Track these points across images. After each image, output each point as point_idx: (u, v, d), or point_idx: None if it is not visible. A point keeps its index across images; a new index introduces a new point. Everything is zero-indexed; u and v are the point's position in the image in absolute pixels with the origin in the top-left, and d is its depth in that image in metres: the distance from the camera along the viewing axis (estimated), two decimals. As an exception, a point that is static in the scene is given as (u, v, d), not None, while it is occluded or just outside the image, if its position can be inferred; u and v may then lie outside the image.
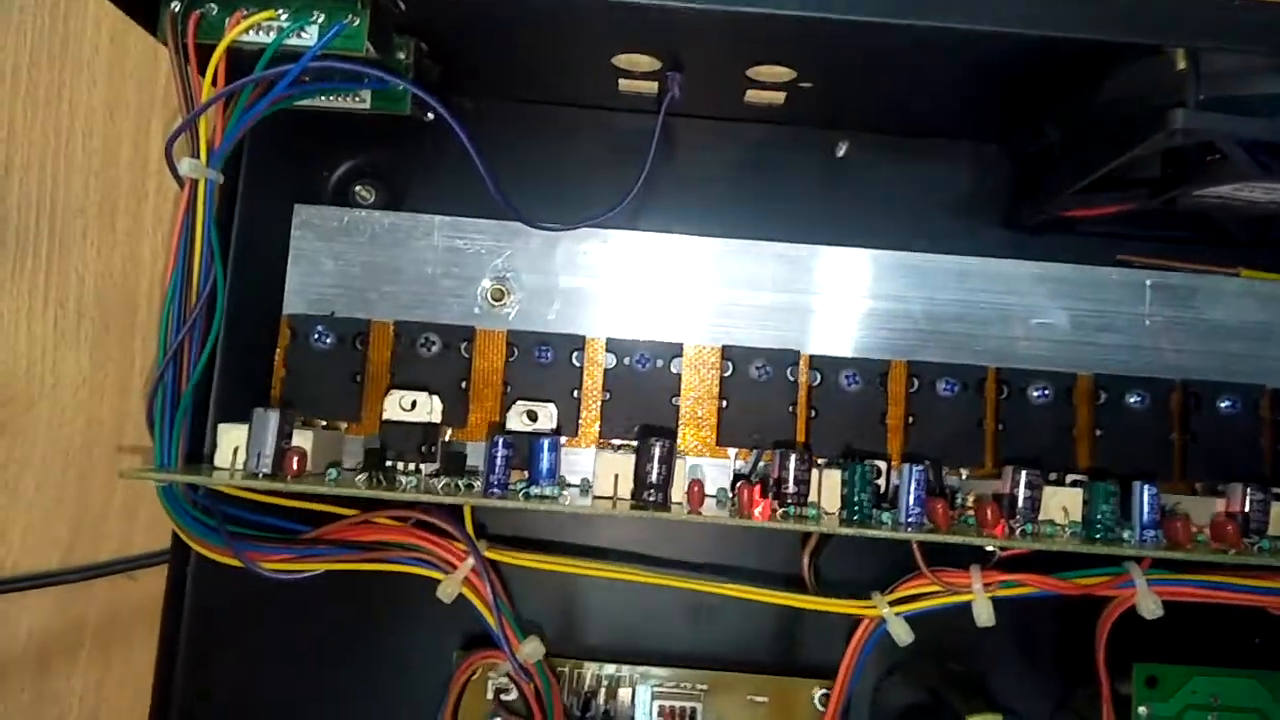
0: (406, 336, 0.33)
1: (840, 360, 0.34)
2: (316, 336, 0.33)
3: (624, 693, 0.31)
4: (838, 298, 0.35)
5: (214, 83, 0.26)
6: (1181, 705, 0.29)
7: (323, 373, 0.33)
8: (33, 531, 0.38)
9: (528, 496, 0.27)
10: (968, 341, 0.34)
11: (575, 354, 0.33)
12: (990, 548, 0.26)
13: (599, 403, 0.33)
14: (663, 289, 0.35)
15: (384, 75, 0.28)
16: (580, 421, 0.33)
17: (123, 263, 0.40)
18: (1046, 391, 0.33)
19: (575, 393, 0.33)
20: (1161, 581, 0.26)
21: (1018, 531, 0.26)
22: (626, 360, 0.33)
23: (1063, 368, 0.34)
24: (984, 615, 0.26)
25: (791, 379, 0.33)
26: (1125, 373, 0.34)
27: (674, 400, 0.33)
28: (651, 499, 0.27)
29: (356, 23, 0.27)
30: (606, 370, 0.33)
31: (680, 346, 0.34)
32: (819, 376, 0.34)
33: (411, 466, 0.28)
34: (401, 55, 0.31)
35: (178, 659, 0.35)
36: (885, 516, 0.27)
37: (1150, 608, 0.25)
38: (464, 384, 0.33)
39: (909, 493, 0.26)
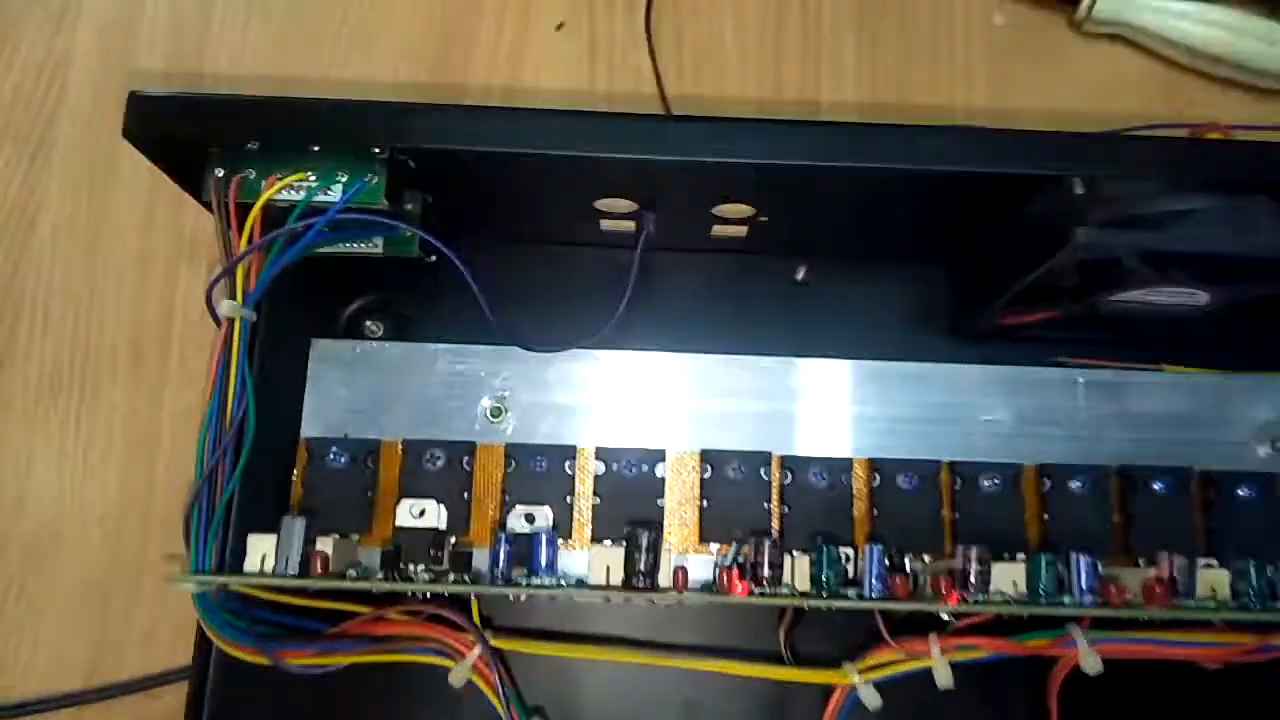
0: (413, 453, 0.37)
1: (809, 460, 0.37)
2: (331, 456, 0.36)
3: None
4: (804, 404, 0.38)
5: (250, 237, 0.31)
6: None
7: (337, 489, 0.36)
8: (56, 656, 0.40)
9: (529, 585, 0.29)
10: (925, 439, 0.38)
11: (568, 462, 0.37)
12: (945, 615, 0.29)
13: (590, 506, 0.36)
14: (645, 401, 0.38)
15: (397, 224, 0.32)
16: (574, 524, 0.36)
17: (148, 401, 0.43)
18: (997, 481, 0.37)
19: (568, 498, 0.36)
20: (1101, 640, 0.28)
21: (970, 600, 0.28)
22: (615, 466, 0.37)
23: (1010, 459, 0.37)
24: (943, 678, 0.28)
25: (765, 478, 0.37)
26: (1066, 461, 0.37)
27: (659, 501, 0.36)
28: (641, 584, 0.30)
29: (375, 180, 0.31)
30: (596, 476, 0.37)
31: (663, 452, 0.37)
32: (790, 475, 0.37)
33: (422, 568, 0.31)
34: (410, 206, 0.35)
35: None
36: (851, 591, 0.30)
37: (1091, 664, 0.28)
38: (466, 494, 0.36)
39: (871, 568, 0.29)
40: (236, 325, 0.31)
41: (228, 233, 0.31)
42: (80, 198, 0.45)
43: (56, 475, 0.42)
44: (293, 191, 0.31)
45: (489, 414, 0.38)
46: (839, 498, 0.36)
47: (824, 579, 0.30)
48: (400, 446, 0.37)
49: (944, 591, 0.28)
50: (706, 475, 0.37)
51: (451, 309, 0.40)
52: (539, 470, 0.36)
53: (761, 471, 0.37)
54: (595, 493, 0.36)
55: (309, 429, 0.37)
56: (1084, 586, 0.29)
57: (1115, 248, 0.31)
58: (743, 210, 0.38)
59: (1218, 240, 0.30)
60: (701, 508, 0.36)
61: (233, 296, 0.31)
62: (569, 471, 0.37)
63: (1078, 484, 0.37)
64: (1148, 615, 0.28)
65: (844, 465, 0.37)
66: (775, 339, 0.40)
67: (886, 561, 0.30)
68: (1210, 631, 0.29)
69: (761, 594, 0.29)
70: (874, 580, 0.29)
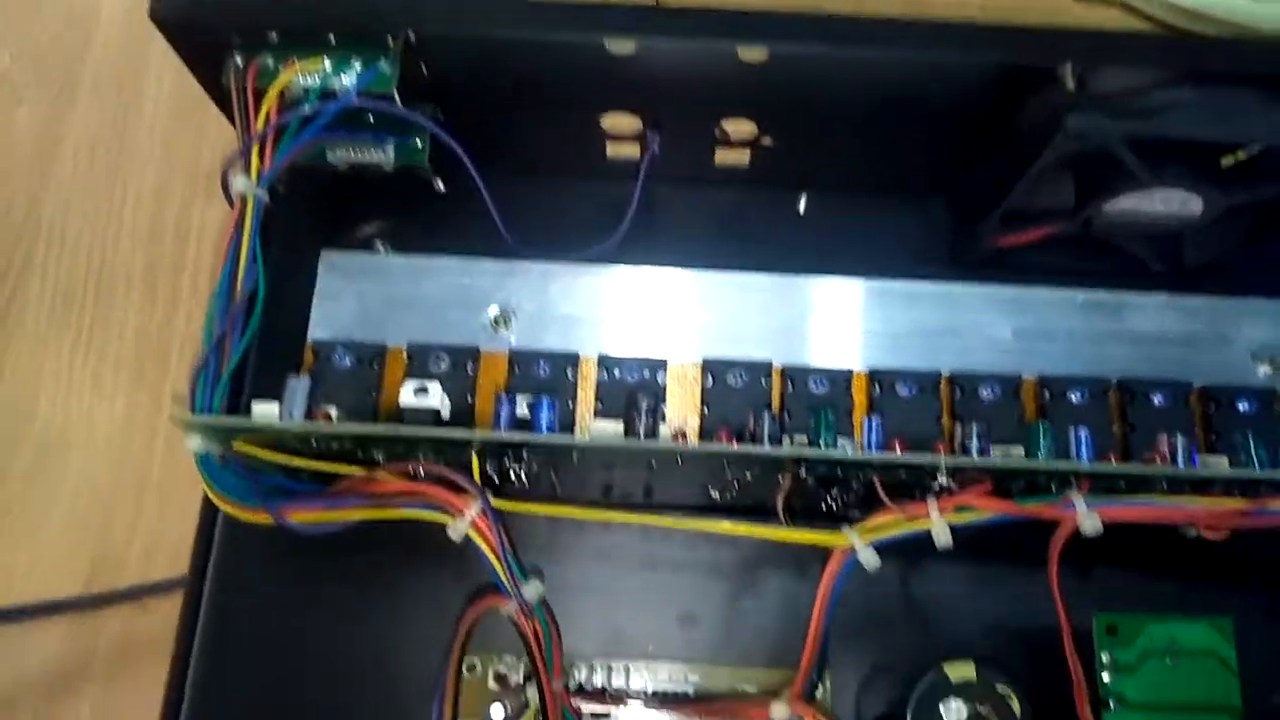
0: (418, 357, 0.37)
1: (809, 370, 0.37)
2: (337, 357, 0.37)
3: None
4: (805, 319, 0.39)
5: (266, 119, 0.32)
6: (1140, 651, 0.31)
7: (342, 390, 0.36)
8: (57, 567, 0.40)
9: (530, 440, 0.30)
10: (926, 354, 0.38)
11: (569, 369, 0.37)
12: (941, 480, 0.29)
13: (592, 410, 0.36)
14: (648, 314, 0.38)
15: (407, 114, 0.33)
16: (576, 428, 0.36)
17: (159, 325, 0.44)
18: (996, 390, 0.37)
19: (570, 402, 0.36)
20: (1099, 503, 0.28)
21: (968, 457, 0.29)
22: (616, 373, 0.37)
23: (1010, 371, 0.37)
24: (942, 538, 0.28)
25: (765, 387, 0.37)
26: (1066, 374, 0.37)
27: (660, 408, 0.36)
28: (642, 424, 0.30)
29: (387, 69, 0.33)
30: (598, 383, 0.37)
31: (664, 362, 0.37)
32: (790, 384, 0.37)
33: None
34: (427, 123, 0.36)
35: (189, 668, 0.37)
36: (848, 447, 0.30)
37: (1090, 526, 0.28)
38: (470, 397, 0.36)
39: (870, 435, 0.29)
40: (250, 203, 0.31)
41: (245, 116, 0.32)
42: (103, 133, 0.46)
43: (65, 392, 0.43)
44: (308, 79, 0.32)
45: (494, 323, 0.38)
46: (839, 406, 0.37)
47: (821, 440, 0.30)
48: (405, 351, 0.37)
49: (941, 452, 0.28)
50: (708, 384, 0.37)
51: (459, 234, 0.40)
52: (542, 375, 0.37)
53: (762, 380, 0.37)
54: (597, 398, 0.37)
55: (316, 334, 0.38)
56: (1083, 456, 0.29)
57: (1105, 135, 0.31)
58: (746, 129, 0.39)
59: (1205, 127, 0.31)
60: (702, 414, 0.37)
61: (248, 175, 0.31)
62: (570, 378, 0.37)
63: (1077, 395, 0.37)
64: (1146, 472, 0.28)
65: (845, 376, 0.37)
66: (776, 265, 0.40)
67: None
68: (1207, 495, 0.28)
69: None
70: (872, 446, 0.29)
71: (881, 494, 0.29)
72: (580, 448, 0.30)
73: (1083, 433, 0.31)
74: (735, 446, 0.29)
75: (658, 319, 0.38)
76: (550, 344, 0.38)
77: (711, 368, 0.37)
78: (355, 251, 0.39)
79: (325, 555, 0.38)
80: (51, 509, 0.41)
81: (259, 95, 0.32)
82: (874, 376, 0.37)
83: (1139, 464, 0.29)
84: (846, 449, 0.30)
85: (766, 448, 0.29)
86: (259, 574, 0.38)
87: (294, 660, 0.37)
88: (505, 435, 0.29)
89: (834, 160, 0.41)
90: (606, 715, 0.33)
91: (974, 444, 0.30)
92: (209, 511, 0.38)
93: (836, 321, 0.39)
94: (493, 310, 0.38)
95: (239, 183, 0.31)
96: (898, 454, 0.29)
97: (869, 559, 0.28)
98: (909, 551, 0.38)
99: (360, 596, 0.37)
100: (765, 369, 0.37)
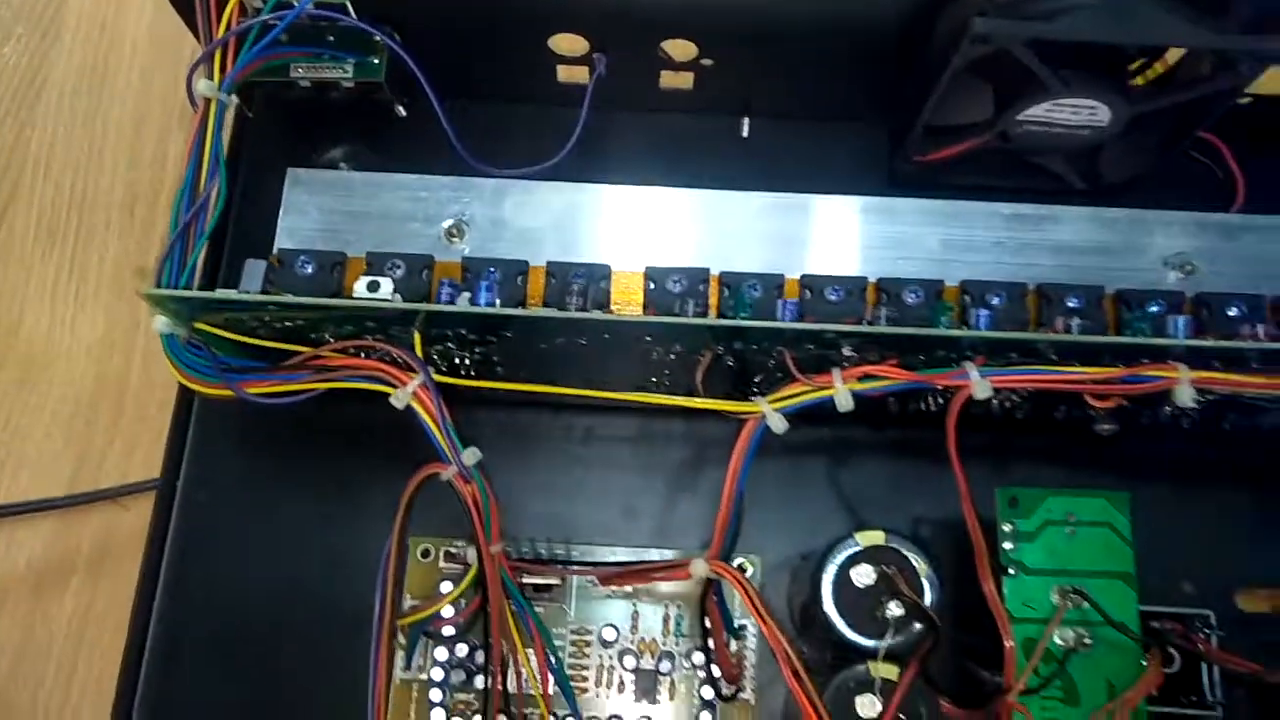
0: (376, 264, 0.39)
1: (743, 275, 0.40)
2: (300, 264, 0.39)
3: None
4: (743, 231, 0.41)
5: (228, 25, 0.34)
6: (1040, 521, 0.34)
7: (305, 293, 0.38)
8: (40, 471, 0.43)
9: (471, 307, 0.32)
10: (857, 263, 0.40)
11: (520, 277, 0.39)
12: (847, 351, 0.31)
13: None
14: (594, 227, 0.41)
15: (362, 26, 0.36)
16: (520, 326, 0.38)
17: (138, 245, 0.46)
18: (919, 293, 0.39)
19: (520, 309, 0.39)
20: (992, 371, 0.31)
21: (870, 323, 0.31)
22: (564, 279, 0.39)
23: (934, 277, 0.40)
24: (844, 403, 0.30)
25: (703, 290, 0.39)
26: (988, 278, 0.40)
27: (595, 292, 0.38)
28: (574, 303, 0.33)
29: (342, -20, 0.35)
30: (546, 286, 0.39)
31: (608, 267, 0.39)
32: (726, 290, 0.39)
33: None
34: (378, 39, 0.38)
35: (163, 561, 0.39)
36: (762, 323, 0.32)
37: (981, 390, 0.30)
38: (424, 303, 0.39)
39: (784, 313, 0.32)
40: (212, 106, 0.34)
41: (207, 23, 0.34)
42: (85, 70, 0.49)
43: (50, 309, 0.45)
44: (268, -8, 0.35)
45: (448, 235, 0.40)
46: (770, 310, 0.39)
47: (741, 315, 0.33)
48: (365, 258, 0.39)
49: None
50: (649, 289, 0.39)
51: (420, 156, 0.42)
52: (493, 280, 0.39)
53: (700, 286, 0.39)
54: (545, 303, 0.39)
55: (282, 243, 0.40)
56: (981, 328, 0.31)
57: (1009, 38, 0.34)
58: (687, 51, 0.41)
59: (1106, 30, 0.33)
60: (644, 316, 0.39)
61: (210, 79, 0.34)
62: (520, 284, 0.39)
63: (997, 299, 0.39)
64: (1031, 338, 0.31)
65: (777, 281, 0.39)
66: (720, 185, 0.43)
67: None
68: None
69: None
70: (786, 315, 0.32)
71: (793, 368, 0.31)
72: (512, 317, 0.32)
73: (983, 313, 0.33)
74: (651, 316, 0.32)
75: (604, 231, 0.41)
76: (501, 254, 0.40)
77: (653, 274, 0.40)
78: (319, 170, 0.42)
79: (291, 454, 0.41)
80: (37, 416, 0.44)
81: (221, 3, 0.34)
82: (804, 282, 0.39)
83: (1026, 332, 0.32)
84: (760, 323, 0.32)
85: (679, 318, 0.32)
86: (227, 473, 0.40)
87: (262, 552, 0.39)
88: (444, 306, 0.32)
89: (774, 84, 0.43)
90: (547, 586, 0.36)
91: (883, 311, 0.33)
92: (181, 415, 0.41)
93: (774, 233, 0.41)
94: (447, 223, 0.41)
95: (201, 86, 0.34)
96: (801, 324, 0.31)
97: (777, 423, 0.31)
98: (838, 448, 0.41)
99: (323, 491, 0.40)
100: (703, 275, 0.39)
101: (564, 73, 0.43)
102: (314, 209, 0.41)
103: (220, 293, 0.31)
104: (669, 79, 0.43)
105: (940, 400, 0.38)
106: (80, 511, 0.42)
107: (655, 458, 0.41)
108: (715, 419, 0.34)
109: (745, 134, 0.45)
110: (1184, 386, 0.30)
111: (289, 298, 0.31)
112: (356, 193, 0.41)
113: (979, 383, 0.30)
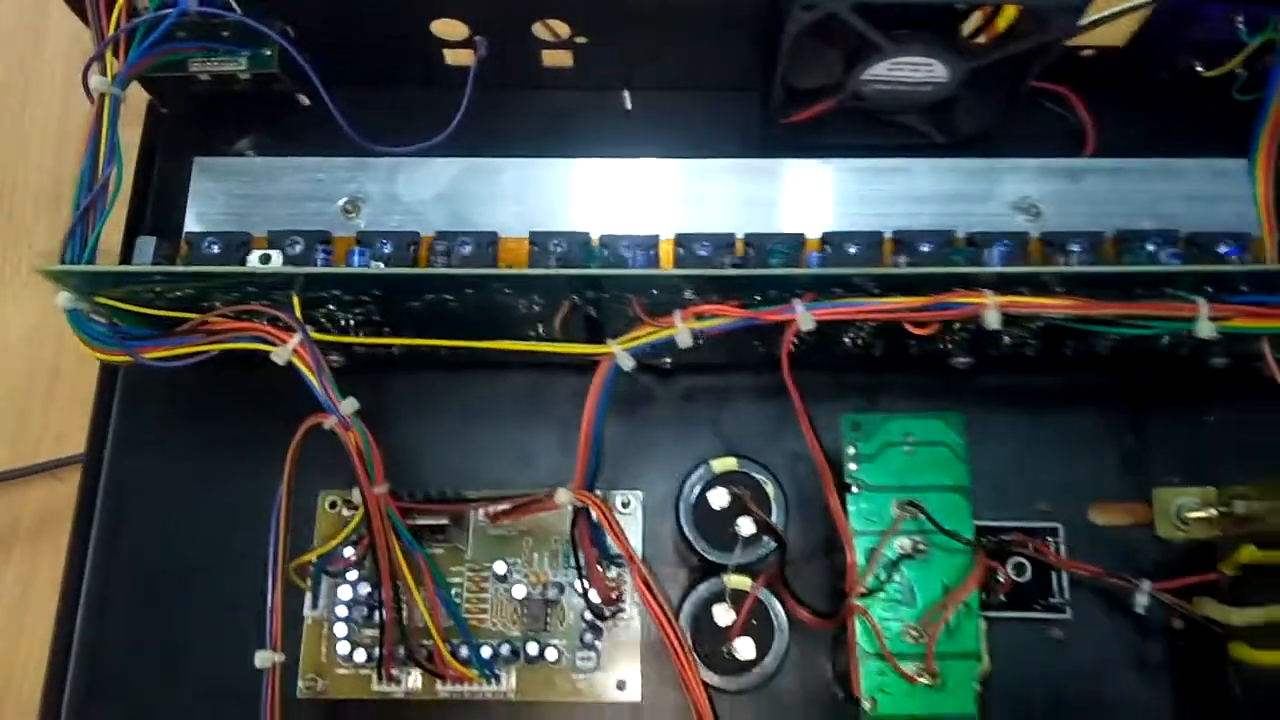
0: (276, 241, 0.42)
1: (620, 237, 0.42)
2: (206, 245, 0.42)
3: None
4: (622, 196, 0.44)
5: (117, 24, 0.37)
6: (881, 443, 0.37)
7: (211, 272, 0.42)
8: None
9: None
10: (726, 220, 0.43)
11: (411, 246, 0.42)
12: (689, 294, 0.34)
13: (431, 280, 0.42)
14: (480, 198, 0.44)
15: (246, 20, 0.39)
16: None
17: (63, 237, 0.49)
18: (782, 247, 0.42)
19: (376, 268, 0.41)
20: (816, 305, 0.34)
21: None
22: (452, 246, 0.42)
23: (797, 231, 0.43)
24: (684, 340, 0.34)
25: (581, 254, 0.42)
26: (849, 229, 0.42)
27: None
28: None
29: (227, -24, 0.38)
30: (431, 250, 0.42)
31: (495, 234, 0.42)
32: (605, 250, 0.42)
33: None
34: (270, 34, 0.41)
35: (93, 522, 0.42)
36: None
37: (807, 322, 0.33)
38: (323, 274, 0.42)
39: (634, 262, 0.35)
40: (106, 100, 0.37)
41: (98, 21, 0.37)
42: (11, 68, 0.52)
43: (-19, 301, 0.48)
44: (156, -9, 0.38)
45: (344, 211, 0.43)
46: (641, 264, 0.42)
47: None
48: (266, 236, 0.42)
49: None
50: (533, 252, 0.42)
51: (321, 142, 0.45)
52: (384, 251, 0.42)
53: (579, 249, 0.42)
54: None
55: (190, 227, 0.43)
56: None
57: (834, 4, 0.36)
58: (562, 29, 0.44)
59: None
60: (527, 278, 0.42)
61: (103, 75, 0.37)
62: (411, 252, 0.42)
63: (854, 248, 0.42)
64: (850, 273, 0.34)
65: (652, 241, 0.42)
66: (605, 155, 0.45)
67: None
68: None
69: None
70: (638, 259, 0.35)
71: (640, 313, 0.35)
72: (378, 276, 0.35)
73: (815, 255, 0.36)
74: (506, 269, 0.35)
75: (490, 202, 0.44)
76: (394, 227, 0.43)
77: (536, 239, 0.43)
78: (223, 157, 0.45)
79: (205, 420, 0.44)
80: (-28, 404, 0.47)
81: (110, 4, 0.37)
82: (679, 240, 0.43)
83: (844, 268, 0.35)
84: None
85: (532, 270, 0.35)
86: (149, 441, 0.44)
87: (182, 508, 0.43)
88: (316, 270, 0.35)
89: (650, 58, 0.46)
90: (442, 527, 0.39)
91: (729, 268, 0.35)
92: (105, 390, 0.44)
93: (651, 197, 0.44)
94: (343, 200, 0.44)
95: (94, 81, 0.37)
96: (642, 270, 0.34)
97: (626, 362, 0.34)
98: (722, 393, 0.44)
99: (236, 452, 0.43)
100: (584, 239, 0.42)
101: (450, 56, 0.46)
102: (220, 194, 0.44)
103: (102, 266, 0.34)
104: (550, 58, 0.46)
105: (859, 341, 0.41)
106: (19, 487, 0.45)
107: (546, 412, 0.44)
108: None
109: (629, 107, 0.48)
110: (991, 311, 0.33)
111: (170, 268, 0.34)
112: (259, 177, 0.44)
113: (803, 315, 0.33)
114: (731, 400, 0.44)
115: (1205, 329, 0.33)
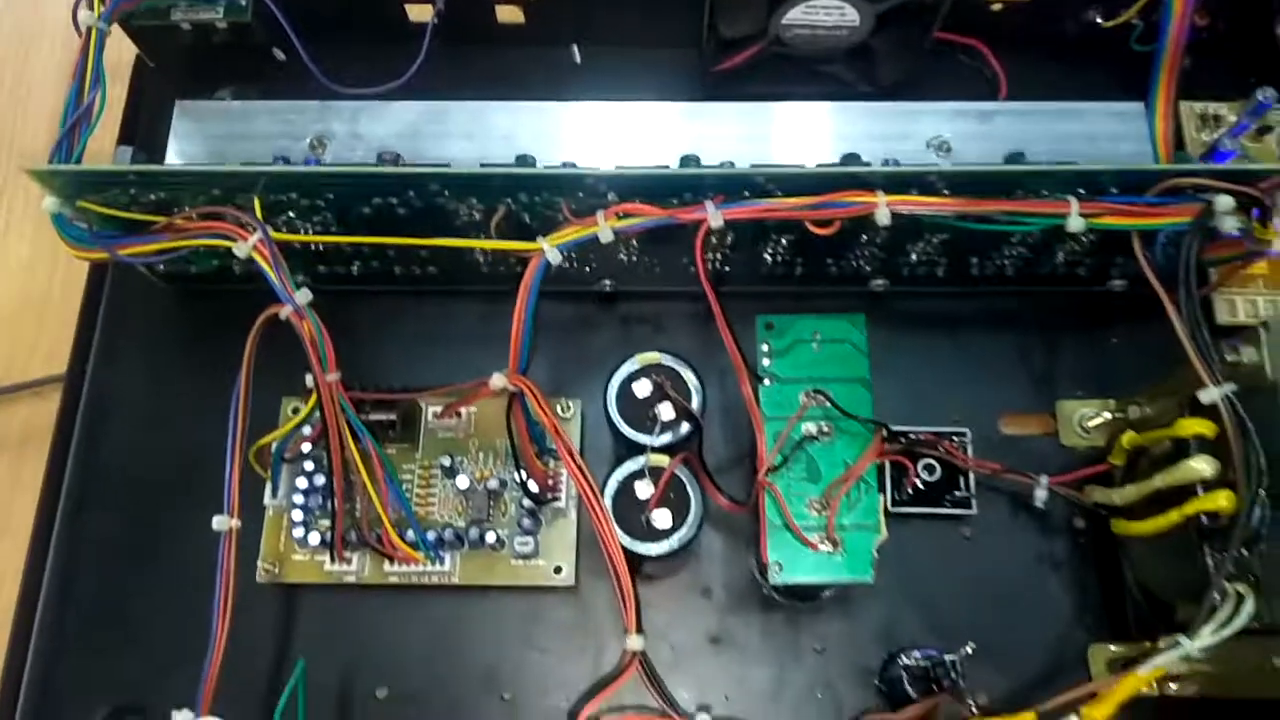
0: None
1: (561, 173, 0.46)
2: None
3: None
4: (565, 134, 0.47)
5: (102, -34, 0.41)
6: (791, 340, 0.40)
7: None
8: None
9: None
10: (666, 158, 0.47)
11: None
12: (611, 196, 0.38)
13: (388, 206, 0.45)
14: (436, 137, 0.47)
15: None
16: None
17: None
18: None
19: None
20: (725, 205, 0.37)
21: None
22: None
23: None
24: (606, 237, 0.37)
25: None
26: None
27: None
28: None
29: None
30: (394, 185, 0.46)
31: (447, 164, 0.46)
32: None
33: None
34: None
35: (74, 431, 0.46)
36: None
37: (716, 221, 0.37)
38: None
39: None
40: (93, 34, 0.41)
41: (87, -34, 0.41)
42: (20, 14, 0.56)
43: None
44: (137, -60, 0.42)
45: (311, 148, 0.47)
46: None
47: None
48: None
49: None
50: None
51: (297, 93, 0.49)
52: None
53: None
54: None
55: (171, 163, 0.47)
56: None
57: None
58: (511, -14, 0.48)
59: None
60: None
61: (90, 10, 0.41)
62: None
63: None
64: (754, 173, 0.37)
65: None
66: (555, 96, 0.49)
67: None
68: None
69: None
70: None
71: (568, 214, 0.38)
72: (330, 174, 0.39)
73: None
74: (441, 169, 0.38)
75: (444, 138, 0.47)
76: (356, 161, 0.47)
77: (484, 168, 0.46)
78: (202, 101, 0.49)
79: (182, 342, 0.48)
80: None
81: (97, -50, 0.41)
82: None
83: (749, 169, 0.38)
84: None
85: (463, 169, 0.38)
86: (129, 355, 0.47)
87: (158, 417, 0.46)
88: (276, 169, 0.39)
89: (596, 15, 0.50)
90: (393, 423, 0.42)
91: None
92: (88, 316, 0.48)
93: (592, 137, 0.48)
94: (310, 138, 0.47)
95: (83, 15, 0.41)
96: (564, 170, 0.38)
97: (554, 256, 0.37)
98: (660, 318, 0.48)
99: (210, 376, 0.45)
100: (530, 163, 0.46)
101: (413, 12, 0.50)
102: (199, 135, 0.48)
103: (84, 166, 0.38)
104: (504, 14, 0.50)
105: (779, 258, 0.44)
106: (7, 403, 0.49)
107: (497, 335, 0.47)
108: (551, 301, 0.41)
109: (578, 60, 0.52)
110: (881, 209, 0.37)
111: (145, 166, 0.38)
112: (235, 119, 0.48)
113: (713, 214, 0.37)
114: (666, 322, 0.48)
115: (1076, 224, 0.37)
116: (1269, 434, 0.34)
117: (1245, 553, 0.35)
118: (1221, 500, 0.35)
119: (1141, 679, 0.33)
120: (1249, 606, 0.34)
